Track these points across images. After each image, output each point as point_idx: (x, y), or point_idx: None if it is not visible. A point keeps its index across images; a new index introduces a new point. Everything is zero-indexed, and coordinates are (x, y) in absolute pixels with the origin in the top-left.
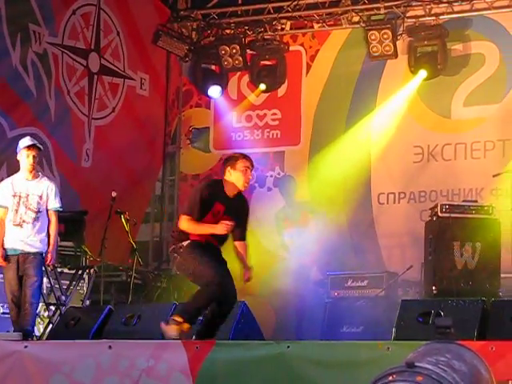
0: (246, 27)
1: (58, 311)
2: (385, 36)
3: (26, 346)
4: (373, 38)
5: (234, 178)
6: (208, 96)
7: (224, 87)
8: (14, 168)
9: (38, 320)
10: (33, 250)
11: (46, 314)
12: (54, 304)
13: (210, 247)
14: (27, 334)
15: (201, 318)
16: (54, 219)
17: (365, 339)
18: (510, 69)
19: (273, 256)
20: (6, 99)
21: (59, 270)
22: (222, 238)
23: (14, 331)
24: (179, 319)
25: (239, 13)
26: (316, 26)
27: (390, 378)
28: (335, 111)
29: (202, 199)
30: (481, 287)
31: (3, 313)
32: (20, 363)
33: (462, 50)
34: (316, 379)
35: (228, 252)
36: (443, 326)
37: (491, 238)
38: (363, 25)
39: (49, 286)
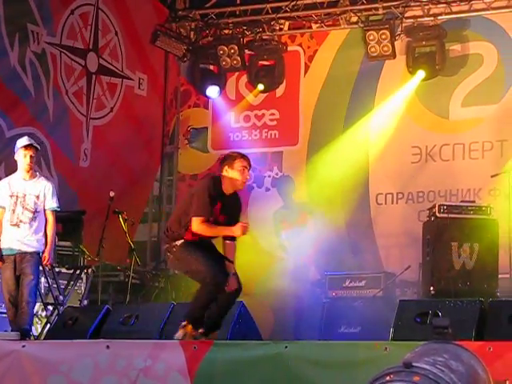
0: (245, 27)
1: (56, 311)
2: (383, 36)
3: (23, 346)
4: (371, 38)
5: (232, 177)
6: (206, 96)
7: (222, 87)
8: (11, 168)
9: (36, 320)
10: (30, 250)
11: (44, 313)
12: (51, 304)
13: (203, 243)
14: (24, 333)
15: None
16: (51, 219)
17: (362, 339)
18: (508, 69)
19: (271, 256)
20: (4, 99)
21: (57, 269)
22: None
23: (11, 331)
24: (183, 322)
25: (237, 13)
26: (314, 26)
27: (388, 378)
28: (333, 111)
29: (210, 198)
30: (479, 287)
31: (1, 312)
32: (18, 363)
33: (461, 50)
34: (314, 379)
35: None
36: (440, 327)
37: (489, 238)
38: (361, 25)
39: (47, 285)
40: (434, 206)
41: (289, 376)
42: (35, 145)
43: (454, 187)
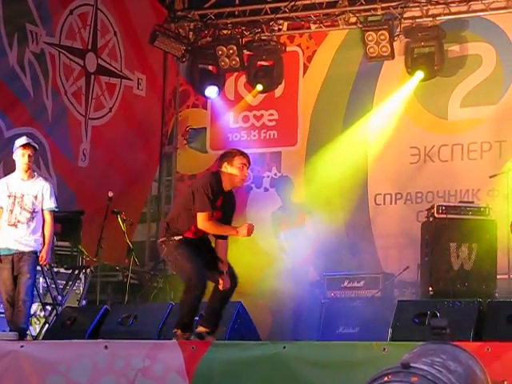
0: (243, 28)
1: (55, 311)
2: (382, 37)
3: (22, 346)
4: (370, 38)
5: (231, 173)
6: (205, 96)
7: (221, 87)
8: (10, 168)
9: (35, 320)
10: (27, 249)
11: (43, 313)
12: (50, 304)
13: (199, 244)
14: (21, 333)
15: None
16: (49, 219)
17: (361, 340)
18: (506, 70)
19: (269, 257)
20: (3, 99)
21: (55, 269)
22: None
23: (9, 331)
24: (176, 331)
25: (236, 13)
26: (313, 26)
27: (386, 378)
28: (332, 112)
29: (214, 194)
30: (477, 288)
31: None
32: (16, 363)
33: (459, 51)
34: (312, 380)
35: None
36: (438, 327)
37: (487, 239)
38: (360, 26)
39: (45, 285)
40: (432, 207)
41: (287, 376)
42: (33, 144)
43: (452, 188)
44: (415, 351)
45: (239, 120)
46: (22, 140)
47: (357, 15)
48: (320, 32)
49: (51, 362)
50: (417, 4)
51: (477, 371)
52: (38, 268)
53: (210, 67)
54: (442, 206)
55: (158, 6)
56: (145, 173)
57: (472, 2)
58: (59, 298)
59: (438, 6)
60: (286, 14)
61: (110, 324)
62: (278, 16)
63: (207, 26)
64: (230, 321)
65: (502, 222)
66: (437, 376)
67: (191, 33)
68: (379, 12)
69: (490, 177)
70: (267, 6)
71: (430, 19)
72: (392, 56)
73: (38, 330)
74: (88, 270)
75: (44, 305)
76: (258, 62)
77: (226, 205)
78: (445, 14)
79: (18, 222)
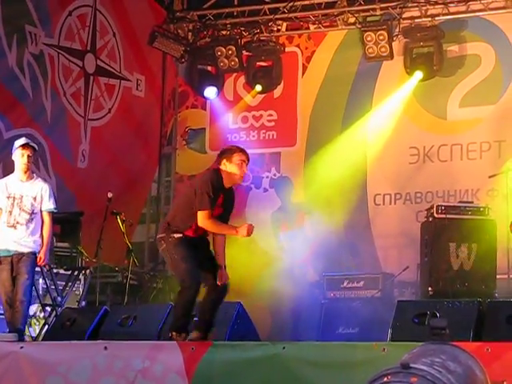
0: (242, 28)
1: (54, 312)
2: (381, 37)
3: (21, 347)
4: (369, 39)
5: (230, 170)
6: (204, 97)
7: (220, 88)
8: (9, 169)
9: (34, 321)
10: (26, 250)
11: (42, 314)
12: (49, 305)
13: (198, 243)
14: (18, 333)
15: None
16: (47, 220)
17: (361, 340)
18: (505, 70)
19: (269, 257)
20: (2, 100)
21: (55, 270)
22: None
23: (8, 332)
24: (173, 334)
25: (235, 14)
26: (312, 27)
27: (385, 379)
28: (331, 112)
29: (214, 192)
30: (477, 288)
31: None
32: (16, 364)
33: (458, 51)
34: (312, 380)
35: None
36: (438, 327)
37: (487, 239)
38: (359, 26)
39: (44, 286)
40: (431, 207)
41: (287, 377)
42: (31, 144)
43: (451, 188)
44: (415, 351)
45: (238, 120)
46: (21, 140)
47: (355, 15)
48: (319, 32)
49: (51, 363)
50: (415, 4)
51: (476, 371)
52: (38, 269)
53: (209, 68)
54: (442, 206)
55: (157, 6)
56: (144, 173)
57: (471, 2)
58: (59, 299)
59: (436, 6)
60: (285, 15)
61: (110, 325)
62: (277, 16)
63: (206, 26)
64: (229, 321)
65: (502, 221)
66: (436, 376)
67: (190, 33)
68: (378, 12)
69: (490, 177)
70: (266, 6)
71: (429, 19)
72: (391, 56)
73: (37, 331)
74: (87, 271)
75: (44, 306)
76: (257, 63)
77: (226, 202)
78: (443, 14)
79: (17, 223)
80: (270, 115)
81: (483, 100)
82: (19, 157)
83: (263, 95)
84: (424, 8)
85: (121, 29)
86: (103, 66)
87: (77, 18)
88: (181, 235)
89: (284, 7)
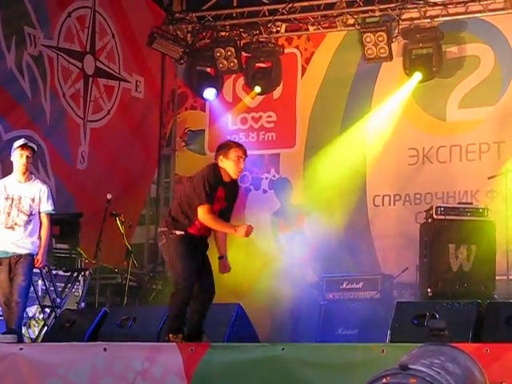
0: (241, 30)
1: (53, 313)
2: (380, 38)
3: (21, 349)
4: (368, 40)
5: (227, 166)
6: (203, 98)
7: (219, 89)
8: (9, 170)
9: (34, 322)
10: (24, 252)
11: (41, 316)
12: (49, 306)
13: (198, 243)
14: (11, 333)
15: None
16: (45, 222)
17: (360, 341)
18: (504, 71)
19: (268, 258)
20: (1, 101)
21: (54, 272)
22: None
23: (3, 332)
24: (169, 336)
25: (234, 15)
26: (311, 28)
27: (384, 380)
28: (330, 114)
29: (211, 187)
30: (476, 289)
31: None
32: (15, 365)
33: (457, 52)
34: (311, 381)
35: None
36: (437, 329)
37: (486, 240)
38: (358, 27)
39: (44, 288)
40: (431, 208)
41: (286, 378)
42: (30, 144)
43: (451, 189)
44: (414, 353)
45: (237, 122)
46: (20, 141)
47: (355, 17)
48: (318, 34)
49: (50, 365)
50: (415, 5)
51: (475, 373)
52: (37, 270)
53: (208, 69)
54: (441, 207)
55: (156, 8)
56: (143, 175)
57: (470, 3)
58: (58, 300)
59: (435, 8)
60: (284, 16)
61: (109, 326)
62: (276, 18)
63: (205, 28)
64: (229, 323)
65: (501, 223)
66: (435, 377)
67: (189, 35)
68: (377, 13)
69: (489, 178)
70: (265, 7)
71: (428, 20)
72: (390, 57)
73: (36, 333)
74: (87, 273)
75: (43, 307)
76: (256, 64)
77: (229, 195)
78: (443, 16)
79: (16, 224)
80: (270, 116)
81: (482, 101)
82: (18, 157)
83: (262, 96)
84: (423, 9)
85: (120, 30)
86: (102, 67)
87: (76, 20)
88: (182, 233)
89: (283, 8)
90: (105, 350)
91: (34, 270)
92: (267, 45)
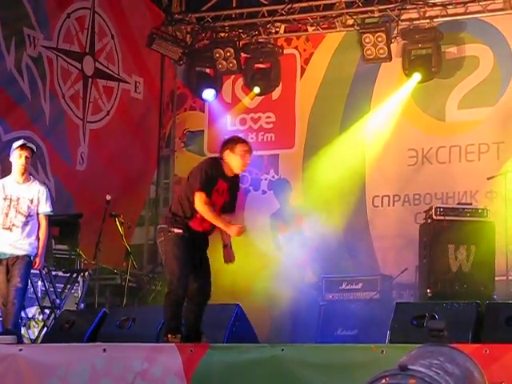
0: (241, 30)
1: (53, 314)
2: (379, 39)
3: (20, 350)
4: (367, 41)
5: (233, 160)
6: (202, 99)
7: (218, 90)
8: (8, 172)
9: (33, 323)
10: (21, 253)
11: (41, 317)
12: (48, 307)
13: (198, 243)
14: (6, 334)
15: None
16: (44, 223)
17: (359, 342)
18: (504, 71)
19: (267, 259)
20: (1, 103)
21: (54, 273)
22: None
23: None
24: (168, 337)
25: (233, 16)
26: (310, 29)
27: (384, 380)
28: (330, 114)
29: (208, 174)
30: (475, 290)
31: None
32: (14, 366)
33: (457, 52)
34: (310, 382)
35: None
36: (436, 329)
37: (486, 240)
38: (357, 28)
39: (43, 289)
40: (430, 209)
41: (286, 379)
42: (29, 145)
43: (450, 189)
44: (413, 353)
45: (237, 123)
46: (20, 142)
47: (354, 17)
48: (317, 34)
49: (50, 366)
50: (414, 6)
51: (475, 373)
52: (37, 271)
53: (208, 70)
54: (440, 207)
55: (155, 9)
56: (143, 176)
57: (469, 4)
58: (57, 301)
59: (435, 8)
60: (283, 17)
61: (109, 327)
62: (275, 18)
63: (204, 28)
64: (228, 323)
65: (500, 223)
66: (434, 378)
67: (188, 36)
68: (376, 14)
69: (488, 178)
70: (264, 8)
71: (427, 21)
72: (389, 58)
73: (36, 334)
74: (86, 273)
75: (42, 308)
76: (256, 65)
77: (232, 189)
78: (442, 16)
79: (13, 225)
80: (269, 117)
81: (482, 102)
82: (17, 158)
83: (261, 97)
84: (422, 10)
85: (119, 31)
86: (102, 68)
87: (75, 21)
88: (181, 231)
89: (282, 9)
90: (104, 350)
91: (34, 271)
92: (266, 45)
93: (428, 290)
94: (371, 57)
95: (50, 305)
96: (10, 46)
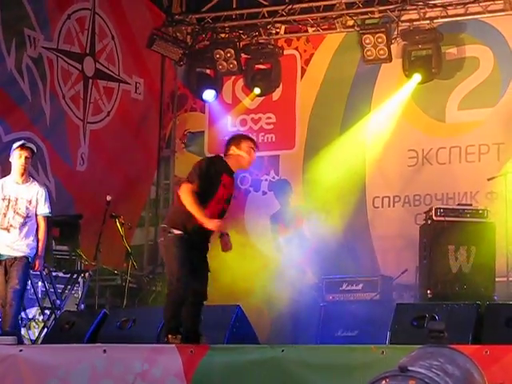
0: (241, 31)
1: (53, 315)
2: (379, 40)
3: (20, 350)
4: (367, 41)
5: (238, 157)
6: (203, 100)
7: (219, 91)
8: (8, 172)
9: (33, 324)
10: (19, 255)
11: (41, 317)
12: (48, 308)
13: (199, 243)
14: (5, 335)
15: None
16: (42, 224)
17: (359, 343)
18: (504, 72)
19: (267, 260)
20: (1, 103)
21: (54, 273)
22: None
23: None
24: (168, 337)
25: (234, 17)
26: (310, 30)
27: (384, 382)
28: (330, 115)
29: (203, 170)
30: (476, 291)
31: None
32: (15, 367)
33: (457, 53)
34: (311, 383)
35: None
36: (436, 330)
37: (486, 241)
38: (357, 29)
39: (44, 289)
40: (430, 210)
41: (286, 380)
42: (30, 146)
43: (450, 190)
44: (413, 354)
45: (237, 123)
46: (20, 142)
47: (354, 18)
48: (317, 35)
49: (50, 367)
50: (414, 7)
51: (475, 374)
52: (37, 272)
53: (208, 71)
54: (441, 208)
55: (156, 9)
56: (143, 176)
57: (469, 5)
58: (58, 302)
59: (435, 9)
60: (284, 18)
61: (109, 328)
62: (276, 19)
63: (205, 29)
64: (228, 324)
65: (501, 224)
66: (434, 379)
67: (189, 36)
68: (376, 15)
69: (489, 179)
70: (265, 9)
71: (428, 22)
72: (389, 59)
73: (36, 335)
74: (86, 274)
75: (43, 309)
76: (256, 66)
77: (233, 185)
78: (442, 17)
79: (11, 226)
80: (269, 118)
81: (482, 102)
82: (17, 158)
83: (262, 98)
84: (422, 11)
85: (120, 32)
86: (102, 69)
87: (76, 22)
88: (181, 232)
89: (283, 10)
90: (104, 351)
91: (34, 272)
92: (267, 46)
93: (428, 291)
94: (371, 58)
95: (50, 305)
96: (11, 47)
